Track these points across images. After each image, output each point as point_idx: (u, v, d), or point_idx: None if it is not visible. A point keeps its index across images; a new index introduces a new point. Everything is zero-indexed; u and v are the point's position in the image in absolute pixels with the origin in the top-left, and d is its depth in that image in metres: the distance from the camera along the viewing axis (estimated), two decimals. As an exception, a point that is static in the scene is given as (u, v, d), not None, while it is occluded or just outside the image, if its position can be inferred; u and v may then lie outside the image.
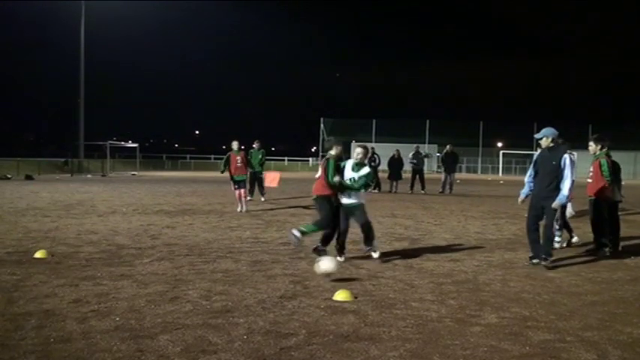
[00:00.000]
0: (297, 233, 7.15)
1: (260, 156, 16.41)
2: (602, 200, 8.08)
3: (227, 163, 13.59)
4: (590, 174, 8.14)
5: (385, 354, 3.90)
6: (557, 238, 8.60)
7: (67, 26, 46.73)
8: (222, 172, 14.42)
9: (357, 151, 7.21)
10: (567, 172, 6.99)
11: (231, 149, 13.76)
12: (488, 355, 3.93)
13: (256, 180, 16.19)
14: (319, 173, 7.48)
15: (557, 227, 8.71)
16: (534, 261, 7.19)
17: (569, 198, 7.21)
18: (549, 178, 7.07)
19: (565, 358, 3.92)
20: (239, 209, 13.05)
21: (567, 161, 7.01)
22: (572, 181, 7.03)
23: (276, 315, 4.76)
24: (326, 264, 6.05)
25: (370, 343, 4.09)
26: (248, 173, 14.18)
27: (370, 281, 6.08)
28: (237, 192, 13.26)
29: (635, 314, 5.02)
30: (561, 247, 8.45)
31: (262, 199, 15.96)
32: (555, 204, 6.99)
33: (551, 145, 7.18)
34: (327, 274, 6.05)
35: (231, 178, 13.45)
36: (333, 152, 7.32)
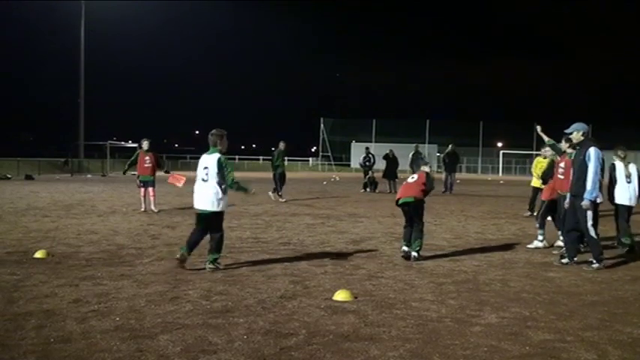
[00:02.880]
0: (415, 255, 7.39)
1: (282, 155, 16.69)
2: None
3: (133, 163, 12.93)
4: (561, 170, 7.89)
5: (385, 354, 3.90)
6: (539, 237, 8.56)
7: (67, 26, 46.81)
8: (125, 173, 13.64)
9: None
10: (591, 166, 6.84)
11: (140, 148, 12.98)
12: (488, 355, 3.93)
13: (280, 178, 16.24)
14: (415, 177, 7.71)
15: (537, 226, 8.66)
16: (563, 261, 7.14)
17: (595, 195, 6.87)
18: (578, 173, 6.97)
19: (565, 358, 3.92)
20: (142, 208, 12.56)
21: (592, 155, 6.86)
22: (597, 176, 6.83)
23: (276, 315, 4.76)
24: None
25: (370, 343, 4.09)
26: (155, 174, 12.82)
27: (370, 281, 6.08)
28: (142, 190, 12.60)
29: (635, 314, 5.02)
30: (545, 248, 8.41)
31: (270, 193, 16.08)
32: (584, 203, 6.84)
33: (582, 139, 7.10)
34: None
35: (138, 176, 12.81)
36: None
